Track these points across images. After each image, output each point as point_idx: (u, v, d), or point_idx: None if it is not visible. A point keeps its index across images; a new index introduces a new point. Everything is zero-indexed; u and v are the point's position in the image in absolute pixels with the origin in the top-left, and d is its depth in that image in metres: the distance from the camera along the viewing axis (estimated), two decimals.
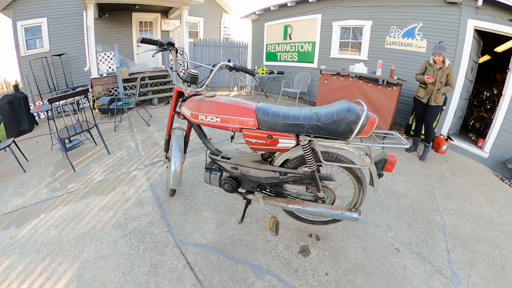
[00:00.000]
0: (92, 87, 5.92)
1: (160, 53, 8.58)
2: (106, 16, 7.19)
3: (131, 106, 4.64)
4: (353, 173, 1.62)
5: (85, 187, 2.65)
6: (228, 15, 10.08)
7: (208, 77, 1.75)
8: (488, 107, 5.43)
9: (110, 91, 6.02)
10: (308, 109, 1.50)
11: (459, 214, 2.38)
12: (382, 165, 1.50)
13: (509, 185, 3.24)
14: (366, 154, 1.51)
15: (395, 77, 4.04)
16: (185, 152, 2.15)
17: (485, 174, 3.44)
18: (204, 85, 1.79)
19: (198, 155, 3.32)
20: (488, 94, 5.62)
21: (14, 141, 3.44)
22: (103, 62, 5.93)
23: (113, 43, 6.20)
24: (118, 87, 5.76)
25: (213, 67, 1.75)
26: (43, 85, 6.62)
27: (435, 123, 3.76)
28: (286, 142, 1.48)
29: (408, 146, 1.42)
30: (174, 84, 1.86)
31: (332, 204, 1.75)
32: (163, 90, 6.66)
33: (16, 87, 5.88)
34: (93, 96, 5.84)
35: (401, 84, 3.95)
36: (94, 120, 3.23)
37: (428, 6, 4.39)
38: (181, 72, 6.92)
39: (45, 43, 6.62)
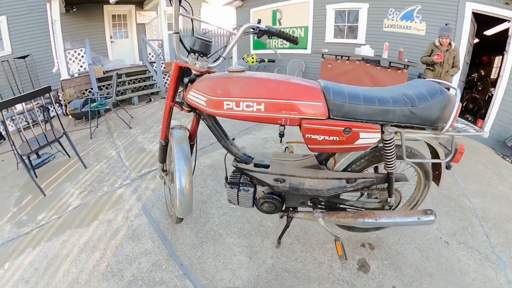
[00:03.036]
0: (62, 90, 5.10)
1: (137, 48, 7.67)
2: (74, 10, 6.28)
3: (108, 107, 3.93)
4: (423, 168, 1.35)
5: (59, 217, 2.04)
6: (207, 4, 9.37)
7: (226, 46, 1.19)
8: (480, 88, 5.43)
9: (84, 93, 5.23)
10: (390, 89, 1.14)
11: (482, 195, 2.38)
12: (452, 155, 1.23)
13: (510, 162, 3.42)
14: (440, 144, 1.23)
15: (404, 59, 3.80)
16: None
17: (488, 153, 3.47)
18: (221, 58, 1.21)
19: (198, 159, 2.75)
20: (477, 76, 5.62)
21: None
22: (74, 61, 5.11)
23: (84, 40, 5.39)
24: (92, 88, 4.99)
25: (233, 30, 1.22)
26: (7, 93, 5.66)
27: None
28: (369, 136, 1.04)
29: (486, 134, 1.18)
30: (176, 59, 1.27)
31: (396, 207, 1.42)
32: (143, 87, 5.95)
33: None
34: (64, 101, 5.03)
35: (409, 66, 3.72)
36: (63, 128, 2.57)
37: None
38: (162, 65, 6.23)
39: (6, 45, 5.60)
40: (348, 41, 5.50)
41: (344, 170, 1.23)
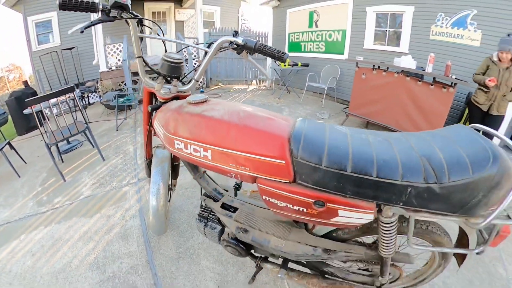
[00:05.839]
0: (101, 81, 5.58)
1: (174, 44, 7.89)
2: None
3: (134, 103, 4.18)
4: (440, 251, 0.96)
5: (71, 203, 2.30)
6: (246, 3, 9.35)
7: (199, 65, 1.10)
8: None
9: (120, 85, 5.65)
10: (406, 143, 0.75)
11: None
12: (487, 241, 0.82)
13: None
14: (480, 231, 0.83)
15: (452, 76, 3.21)
16: (176, 178, 1.63)
17: None
18: (193, 81, 1.14)
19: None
20: None
21: (9, 143, 3.12)
22: (112, 55, 5.54)
23: (123, 35, 5.80)
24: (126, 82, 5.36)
25: (208, 47, 1.07)
26: (55, 80, 6.44)
27: None
28: (353, 216, 0.74)
29: None
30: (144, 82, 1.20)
31: (394, 281, 1.12)
32: None
33: (25, 83, 5.69)
34: (101, 91, 5.50)
35: (456, 84, 3.16)
36: (86, 121, 2.79)
37: None
38: (194, 64, 6.39)
39: (56, 37, 6.43)
40: (390, 49, 5.00)
41: (327, 234, 1.00)
